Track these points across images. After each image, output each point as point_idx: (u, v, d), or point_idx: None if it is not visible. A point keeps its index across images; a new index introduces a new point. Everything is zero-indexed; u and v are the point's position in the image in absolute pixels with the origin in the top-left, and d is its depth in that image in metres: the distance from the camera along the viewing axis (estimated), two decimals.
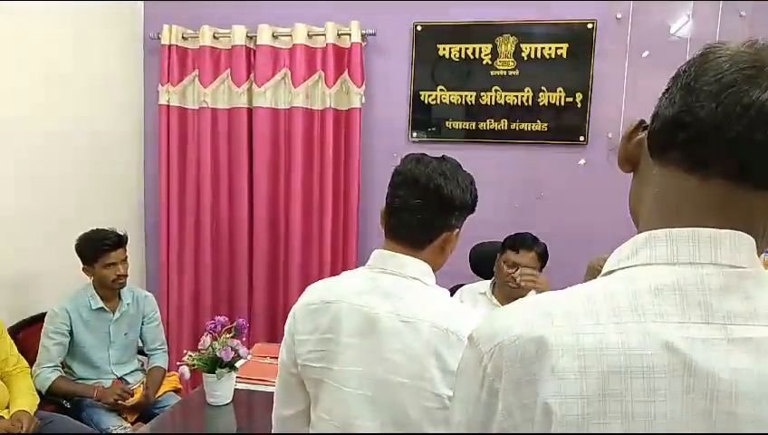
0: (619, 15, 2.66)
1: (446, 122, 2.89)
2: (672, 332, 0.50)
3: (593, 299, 0.54)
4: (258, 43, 2.90)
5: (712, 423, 0.48)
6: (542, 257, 2.24)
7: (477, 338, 0.57)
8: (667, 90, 0.57)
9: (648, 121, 0.60)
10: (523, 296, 2.12)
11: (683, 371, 0.48)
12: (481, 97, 2.83)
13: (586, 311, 0.53)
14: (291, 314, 1.16)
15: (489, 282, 2.38)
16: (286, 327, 1.16)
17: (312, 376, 1.11)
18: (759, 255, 0.55)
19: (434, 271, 1.14)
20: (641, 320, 0.51)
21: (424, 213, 1.09)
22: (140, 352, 2.60)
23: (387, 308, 1.05)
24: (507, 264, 2.22)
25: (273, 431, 1.22)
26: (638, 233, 0.59)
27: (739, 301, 0.51)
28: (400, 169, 1.13)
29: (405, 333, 1.03)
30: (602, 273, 0.59)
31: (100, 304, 2.39)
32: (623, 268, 0.56)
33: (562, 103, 2.75)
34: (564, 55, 2.73)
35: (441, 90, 2.87)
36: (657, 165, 0.58)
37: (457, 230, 1.14)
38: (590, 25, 2.70)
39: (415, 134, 2.92)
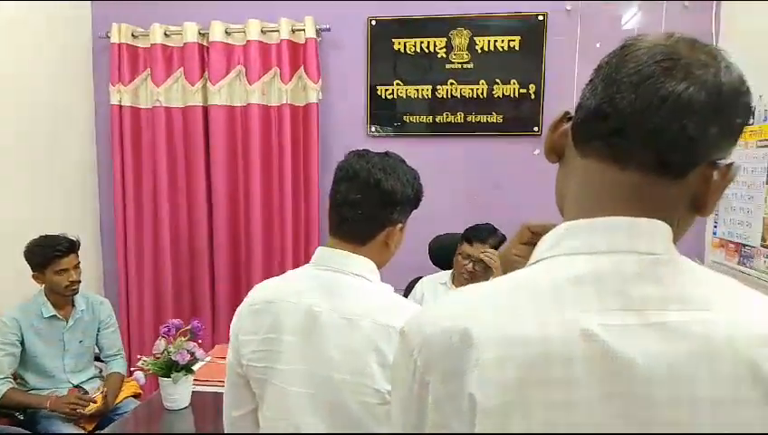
0: (568, 8, 2.71)
1: (404, 116, 2.90)
2: (590, 320, 0.51)
3: (516, 290, 0.55)
4: (211, 40, 2.85)
5: (630, 407, 0.49)
6: (499, 247, 2.27)
7: (408, 332, 0.57)
8: (590, 81, 0.58)
9: (573, 112, 0.61)
10: None
11: (601, 357, 0.50)
12: (437, 91, 2.85)
13: (509, 302, 0.54)
14: (235, 314, 1.15)
15: (449, 272, 2.40)
16: (231, 328, 1.15)
17: (257, 376, 1.10)
18: (675, 242, 0.56)
19: (379, 267, 1.13)
20: (561, 309, 0.52)
21: (365, 208, 1.08)
22: (98, 358, 2.54)
23: (328, 306, 1.05)
24: (462, 256, 2.25)
25: (225, 432, 1.21)
26: (563, 223, 0.60)
27: (654, 287, 0.52)
28: (342, 165, 1.13)
29: (346, 329, 1.03)
30: (528, 263, 0.60)
31: (53, 311, 2.32)
32: (546, 259, 0.57)
33: (516, 95, 2.79)
34: (517, 48, 2.77)
35: (398, 84, 2.88)
36: (581, 156, 0.59)
37: (401, 225, 1.14)
38: (540, 17, 2.74)
39: (373, 129, 2.92)
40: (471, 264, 2.23)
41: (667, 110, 0.51)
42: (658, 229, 0.55)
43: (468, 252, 2.24)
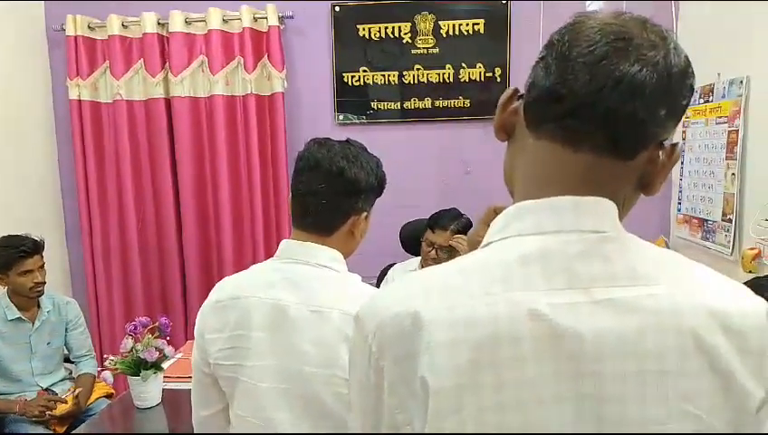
0: None
1: (372, 103, 2.88)
2: (538, 299, 0.51)
3: (466, 272, 0.55)
4: (171, 30, 2.78)
5: (580, 384, 0.50)
6: (463, 232, 2.27)
7: (362, 318, 0.57)
8: (541, 58, 0.57)
9: (524, 90, 0.60)
10: None
11: (548, 336, 0.50)
12: (404, 76, 2.83)
13: (459, 284, 0.54)
14: (199, 313, 1.12)
15: (419, 259, 2.41)
16: (195, 327, 1.12)
17: (226, 374, 1.08)
18: (620, 220, 0.57)
19: (345, 256, 1.12)
20: (509, 290, 0.52)
21: (329, 197, 1.07)
22: (68, 359, 2.49)
23: (295, 299, 1.04)
24: (426, 243, 2.26)
25: (194, 432, 1.19)
26: (513, 204, 0.60)
27: (601, 264, 0.53)
28: (303, 154, 1.11)
29: (315, 322, 1.02)
30: (480, 246, 0.60)
31: (17, 313, 2.27)
32: (496, 241, 0.57)
33: (483, 79, 2.79)
34: (482, 31, 2.77)
35: (364, 71, 2.85)
36: (533, 136, 0.58)
37: (365, 213, 1.13)
38: (504, 1, 2.73)
39: (341, 116, 2.90)
40: (434, 251, 2.24)
41: (621, 92, 0.51)
42: (604, 208, 0.55)
43: (431, 239, 2.25)
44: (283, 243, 1.12)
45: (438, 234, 2.24)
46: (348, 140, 1.13)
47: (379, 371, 0.54)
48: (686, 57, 0.55)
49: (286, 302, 1.04)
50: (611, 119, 0.52)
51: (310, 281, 1.05)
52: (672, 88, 0.53)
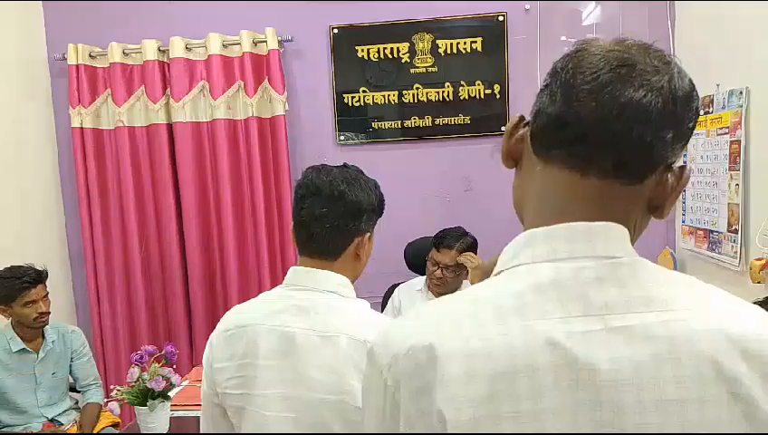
0: (527, 7, 2.74)
1: (372, 123, 2.89)
2: (553, 328, 0.51)
3: (479, 302, 0.54)
4: (171, 56, 2.81)
5: (598, 414, 0.49)
6: (469, 250, 2.26)
7: (376, 351, 0.57)
8: (546, 86, 0.58)
9: (530, 117, 0.61)
10: (453, 291, 2.14)
11: (566, 365, 0.49)
12: (403, 96, 2.85)
13: (472, 315, 0.53)
14: (208, 343, 1.12)
15: (424, 278, 2.40)
16: (204, 357, 1.12)
17: (234, 404, 1.07)
18: (632, 244, 0.57)
19: (352, 280, 1.13)
20: (524, 319, 0.51)
21: (331, 221, 1.08)
22: (74, 389, 2.47)
23: (302, 325, 1.03)
24: (431, 262, 2.26)
25: None
26: (523, 231, 0.60)
27: (615, 290, 0.52)
28: (302, 182, 1.12)
29: (323, 348, 1.02)
30: (493, 274, 0.60)
31: (22, 344, 2.25)
32: (508, 269, 0.57)
33: (482, 96, 2.81)
34: (480, 49, 2.79)
35: (364, 91, 2.87)
36: (541, 163, 0.59)
37: (369, 234, 1.14)
38: (500, 18, 2.76)
39: (342, 137, 2.91)
40: (439, 270, 2.23)
41: (627, 117, 0.52)
42: (616, 232, 0.55)
43: (437, 259, 2.25)
44: (291, 270, 1.12)
45: (444, 253, 2.24)
46: (344, 164, 1.15)
47: (395, 404, 0.53)
48: (691, 81, 0.55)
49: (293, 328, 1.03)
50: (618, 144, 0.53)
51: (317, 307, 1.05)
52: (677, 111, 0.53)
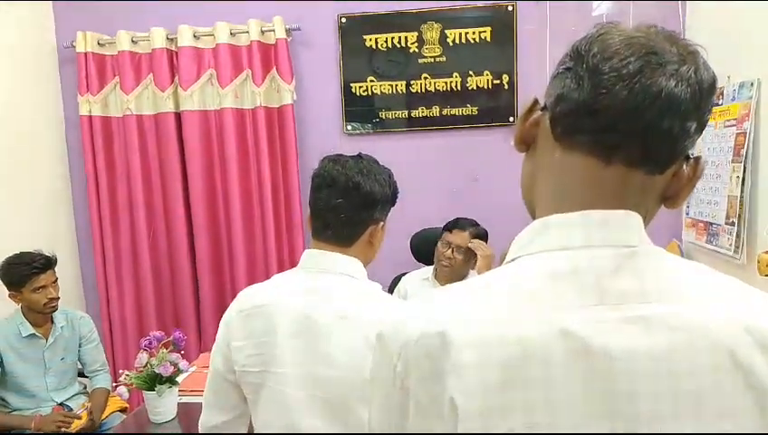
0: None
1: (380, 113, 2.88)
2: (568, 317, 0.50)
3: (492, 290, 0.54)
4: (180, 44, 2.80)
5: (612, 404, 0.49)
6: (479, 238, 2.28)
7: (386, 338, 0.56)
8: (567, 69, 0.56)
9: (547, 100, 0.59)
10: (460, 278, 2.15)
11: (580, 355, 0.49)
12: (411, 85, 2.84)
13: (485, 302, 0.53)
14: (223, 322, 1.15)
15: (432, 268, 2.40)
16: (220, 336, 1.15)
17: (253, 381, 1.10)
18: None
19: (365, 265, 1.16)
20: (538, 307, 0.51)
21: (347, 211, 1.11)
22: (82, 374, 2.50)
23: (321, 305, 1.06)
24: (442, 243, 2.28)
25: None
26: (536, 218, 0.59)
27: (631, 280, 0.52)
28: (318, 172, 1.16)
29: (342, 328, 1.04)
30: (504, 262, 0.59)
31: (32, 330, 2.28)
32: (522, 256, 0.57)
33: (490, 86, 2.79)
34: (488, 39, 2.77)
35: (372, 81, 2.86)
36: (560, 149, 0.57)
37: (382, 223, 1.18)
38: (510, 8, 2.74)
39: (350, 127, 2.90)
40: (451, 250, 2.25)
41: (659, 106, 0.51)
42: (632, 221, 0.55)
43: (449, 239, 2.28)
44: (306, 252, 1.16)
45: (456, 234, 2.27)
46: (360, 155, 1.18)
47: (405, 391, 0.53)
48: (713, 72, 0.55)
49: (312, 309, 1.06)
50: (648, 133, 0.52)
51: (334, 288, 1.09)
52: (701, 102, 0.53)
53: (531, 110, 0.61)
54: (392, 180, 1.19)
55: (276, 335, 1.07)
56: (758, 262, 1.96)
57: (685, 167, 0.56)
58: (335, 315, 1.05)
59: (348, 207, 1.11)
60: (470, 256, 2.26)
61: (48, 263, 2.29)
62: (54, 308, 2.30)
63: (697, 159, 0.57)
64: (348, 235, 1.13)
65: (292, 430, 1.06)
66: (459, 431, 0.49)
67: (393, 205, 1.21)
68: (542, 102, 0.61)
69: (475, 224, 2.31)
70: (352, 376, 1.02)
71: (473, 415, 0.49)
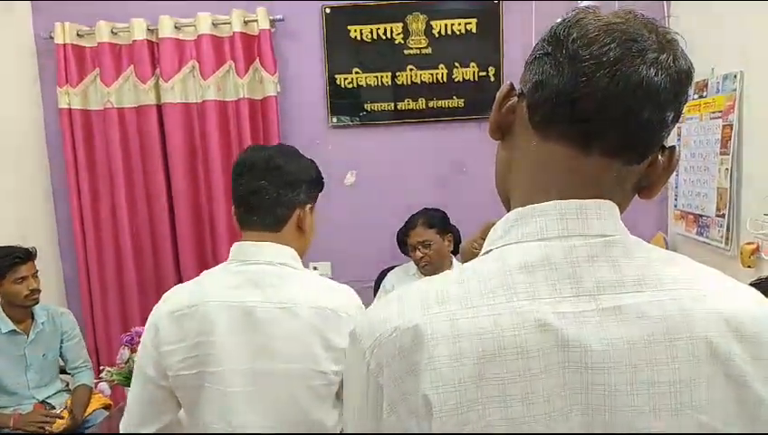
0: None
1: (365, 105, 2.86)
2: (543, 308, 0.49)
3: (466, 282, 0.53)
4: (160, 36, 2.75)
5: (590, 396, 0.48)
6: (435, 225, 2.28)
7: (359, 334, 0.55)
8: (546, 54, 0.54)
9: (524, 87, 0.57)
10: (445, 266, 2.14)
11: (556, 347, 0.48)
12: (397, 77, 2.81)
13: (459, 295, 0.52)
14: (150, 325, 1.08)
15: None
16: (147, 340, 1.07)
17: (189, 383, 1.05)
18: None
19: (300, 254, 1.13)
20: (513, 300, 0.50)
21: (271, 192, 1.09)
22: (64, 371, 2.46)
23: (259, 298, 1.04)
24: (410, 248, 2.32)
25: None
26: (511, 207, 0.58)
27: (607, 270, 0.51)
28: (238, 160, 1.14)
29: (284, 319, 1.03)
30: (480, 254, 0.58)
31: (12, 326, 2.24)
32: (498, 248, 0.56)
33: (476, 78, 2.78)
34: (474, 30, 2.75)
35: (357, 72, 2.83)
36: (538, 137, 0.56)
37: (310, 206, 1.16)
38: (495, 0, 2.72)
39: (335, 119, 2.88)
40: (417, 251, 2.28)
41: (639, 96, 0.50)
42: (608, 211, 0.54)
43: (411, 243, 2.30)
44: (235, 245, 1.12)
45: (414, 235, 2.29)
46: (280, 144, 1.22)
47: (378, 388, 0.52)
48: (690, 61, 0.54)
49: (252, 302, 1.04)
50: (628, 122, 0.51)
51: (272, 279, 1.06)
52: (679, 91, 0.52)
53: (506, 96, 0.59)
54: (316, 166, 1.19)
55: (214, 334, 1.03)
56: (740, 253, 1.97)
57: (660, 157, 0.56)
58: (276, 307, 1.03)
59: (271, 188, 1.09)
60: (436, 243, 2.26)
61: (28, 254, 2.26)
62: (36, 301, 2.27)
63: (672, 148, 0.56)
64: (274, 219, 1.10)
65: (231, 430, 1.03)
66: (434, 428, 0.48)
67: (320, 190, 1.19)
68: (517, 88, 0.59)
69: (423, 214, 2.32)
70: (297, 366, 1.01)
71: (448, 411, 0.48)
